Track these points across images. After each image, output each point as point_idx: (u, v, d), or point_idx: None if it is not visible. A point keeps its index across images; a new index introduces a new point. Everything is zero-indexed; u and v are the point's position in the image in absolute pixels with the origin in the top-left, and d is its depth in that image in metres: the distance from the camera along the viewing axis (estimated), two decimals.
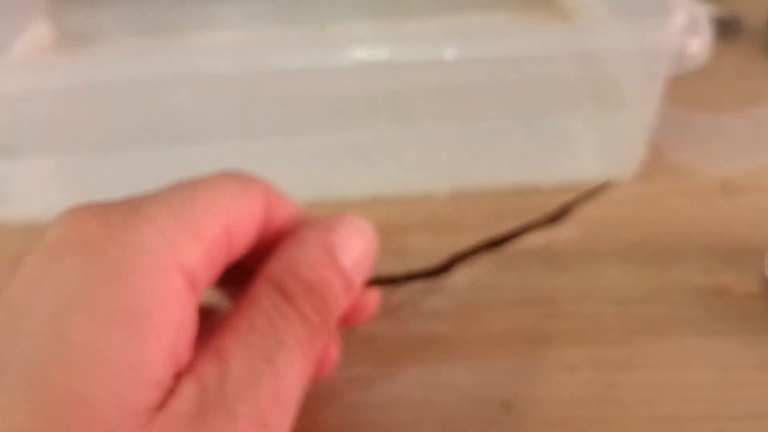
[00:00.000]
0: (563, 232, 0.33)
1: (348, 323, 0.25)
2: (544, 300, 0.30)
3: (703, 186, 0.35)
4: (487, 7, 0.39)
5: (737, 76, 0.42)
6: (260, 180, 0.21)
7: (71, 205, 0.19)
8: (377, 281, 0.25)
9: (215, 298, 0.24)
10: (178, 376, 0.17)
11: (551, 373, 0.27)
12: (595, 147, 0.35)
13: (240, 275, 0.21)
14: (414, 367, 0.28)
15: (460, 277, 0.31)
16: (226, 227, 0.19)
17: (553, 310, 0.29)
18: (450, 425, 0.26)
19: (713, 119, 0.38)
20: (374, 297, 0.25)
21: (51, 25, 0.39)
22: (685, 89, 0.41)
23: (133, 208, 0.18)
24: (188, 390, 0.17)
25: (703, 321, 0.29)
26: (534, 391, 0.27)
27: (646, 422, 0.25)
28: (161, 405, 0.17)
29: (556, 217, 0.28)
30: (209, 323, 0.19)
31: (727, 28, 0.44)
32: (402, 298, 0.30)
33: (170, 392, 0.17)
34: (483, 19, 0.38)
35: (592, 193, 0.28)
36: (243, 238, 0.20)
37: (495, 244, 0.28)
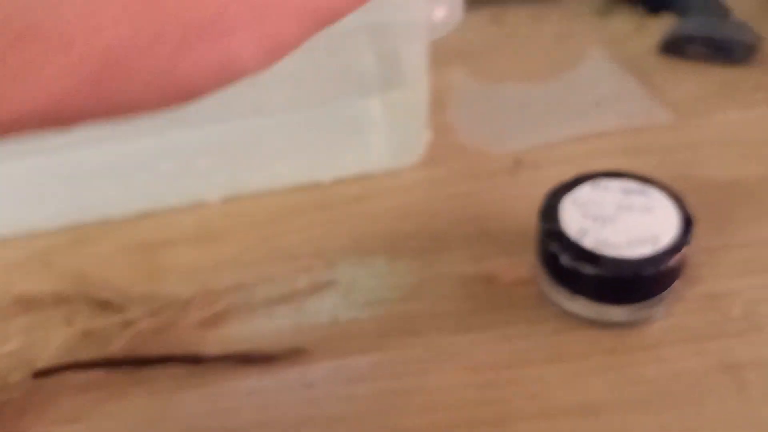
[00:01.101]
0: (336, 239, 0.30)
1: None
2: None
3: (492, 166, 0.32)
4: None
5: (556, 39, 0.39)
6: None
7: None
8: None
9: None
10: None
11: (288, 393, 0.25)
12: (377, 134, 0.32)
13: None
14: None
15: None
16: None
17: (303, 322, 0.27)
18: None
19: (518, 91, 0.36)
20: None
21: None
22: (497, 60, 0.38)
23: None
24: None
25: (463, 314, 0.26)
26: (265, 415, 0.24)
27: None
28: None
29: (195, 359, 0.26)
30: None
31: None
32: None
33: None
34: None
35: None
36: None
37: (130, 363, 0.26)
